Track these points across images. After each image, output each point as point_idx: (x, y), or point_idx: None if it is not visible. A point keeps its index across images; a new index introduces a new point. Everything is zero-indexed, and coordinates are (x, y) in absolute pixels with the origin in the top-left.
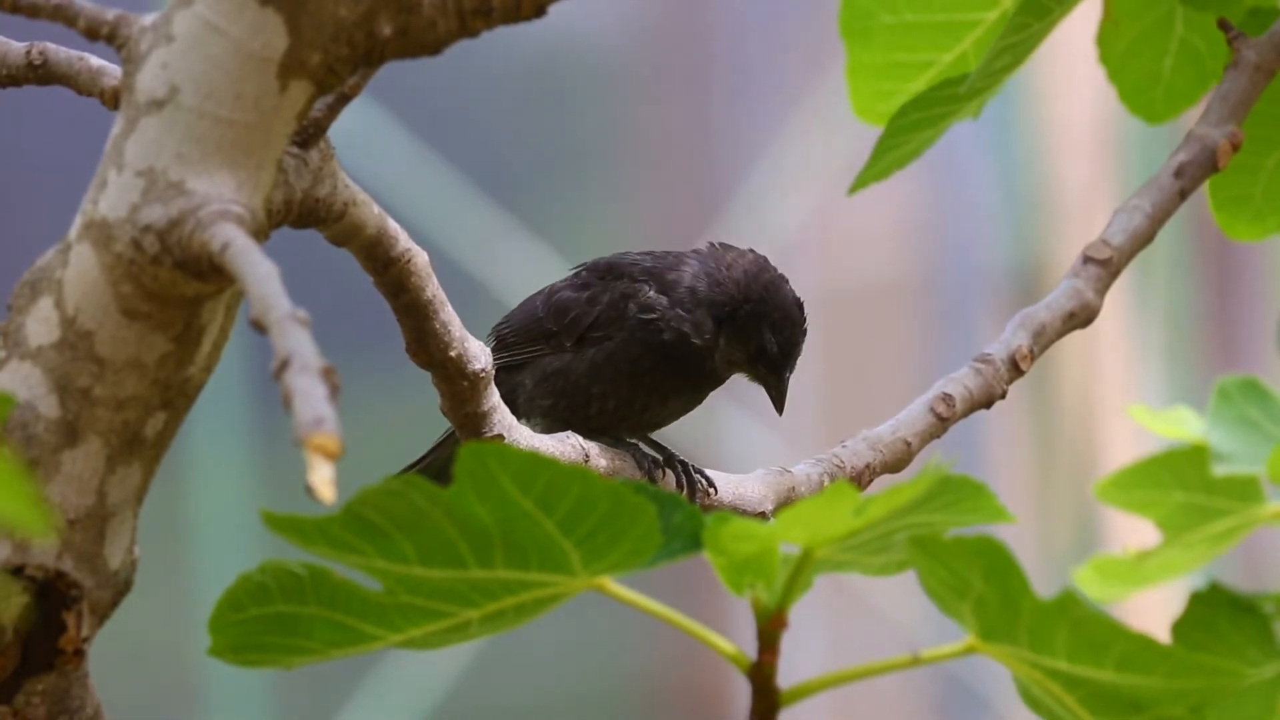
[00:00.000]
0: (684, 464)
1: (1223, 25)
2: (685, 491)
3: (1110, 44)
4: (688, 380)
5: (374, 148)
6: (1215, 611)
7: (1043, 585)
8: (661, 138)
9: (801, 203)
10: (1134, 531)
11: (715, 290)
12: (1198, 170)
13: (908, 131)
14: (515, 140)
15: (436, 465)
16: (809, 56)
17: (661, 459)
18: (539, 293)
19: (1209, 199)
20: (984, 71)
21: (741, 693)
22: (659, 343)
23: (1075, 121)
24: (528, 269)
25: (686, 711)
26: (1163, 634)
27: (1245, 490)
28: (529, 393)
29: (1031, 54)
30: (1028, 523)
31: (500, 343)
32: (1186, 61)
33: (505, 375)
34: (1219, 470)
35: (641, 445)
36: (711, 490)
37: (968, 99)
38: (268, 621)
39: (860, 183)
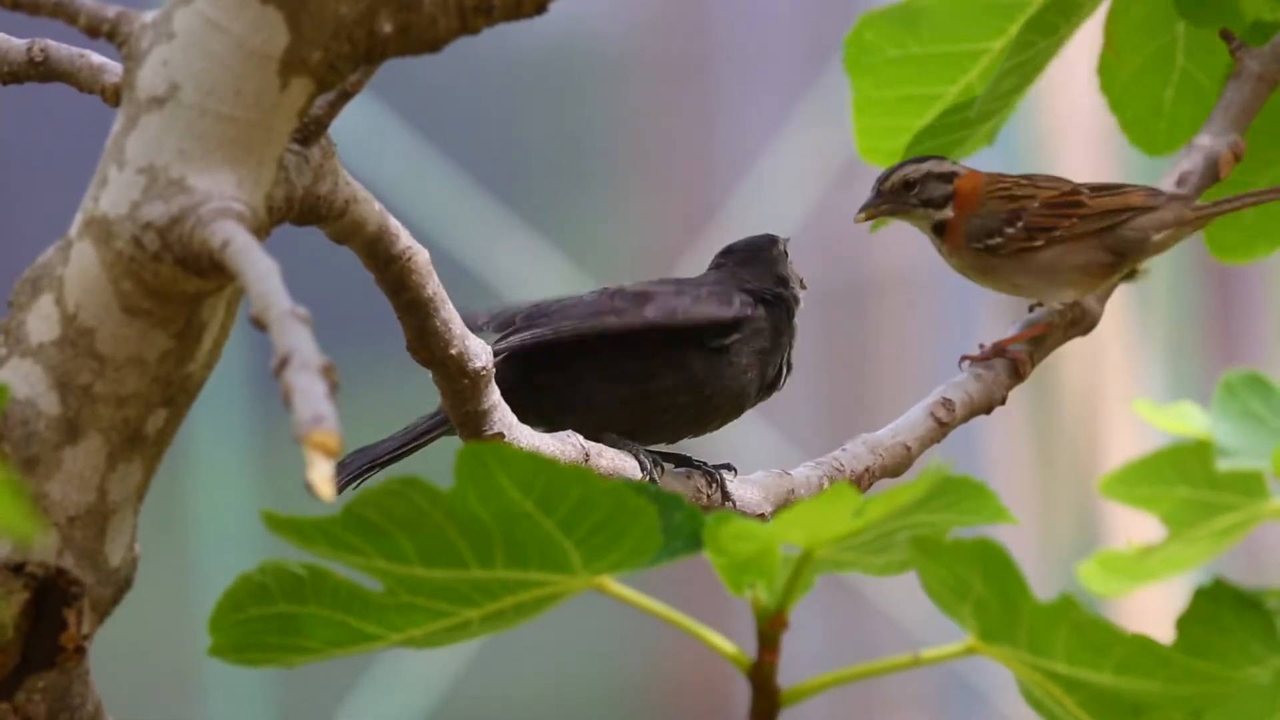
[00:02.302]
0: (705, 467)
1: (1225, 35)
2: (717, 492)
3: (1111, 75)
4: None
5: (375, 144)
6: (1219, 607)
7: (1044, 584)
8: (663, 134)
9: (802, 200)
10: (1135, 530)
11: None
12: (1200, 180)
13: None
14: (516, 137)
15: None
16: (810, 55)
17: (674, 463)
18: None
19: None
20: (992, 94)
21: (742, 693)
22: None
23: (1075, 125)
24: (528, 266)
25: (686, 711)
26: (1165, 630)
27: (1249, 485)
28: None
29: (1039, 74)
30: (1028, 521)
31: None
32: (1187, 93)
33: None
34: (1223, 465)
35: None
36: (730, 503)
37: (978, 123)
38: (268, 621)
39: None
